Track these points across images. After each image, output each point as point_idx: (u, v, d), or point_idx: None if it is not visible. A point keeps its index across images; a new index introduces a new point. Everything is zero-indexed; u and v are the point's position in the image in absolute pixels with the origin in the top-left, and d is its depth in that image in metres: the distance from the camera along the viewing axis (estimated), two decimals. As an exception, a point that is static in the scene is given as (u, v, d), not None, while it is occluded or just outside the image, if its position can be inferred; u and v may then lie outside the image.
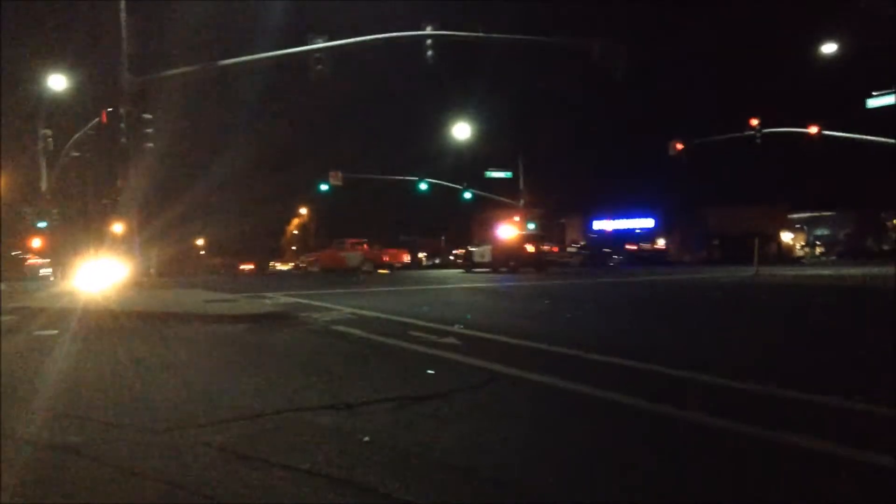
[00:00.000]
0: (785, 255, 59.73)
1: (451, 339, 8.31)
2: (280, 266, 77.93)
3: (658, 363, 6.36)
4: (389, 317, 11.12)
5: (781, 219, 68.08)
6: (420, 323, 9.98)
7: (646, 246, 64.96)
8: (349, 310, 12.41)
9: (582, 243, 65.60)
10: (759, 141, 37.74)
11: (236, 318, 10.83)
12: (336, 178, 51.88)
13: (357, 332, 9.28)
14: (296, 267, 42.08)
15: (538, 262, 35.79)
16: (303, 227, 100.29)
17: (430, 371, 6.43)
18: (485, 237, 41.02)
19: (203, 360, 7.37)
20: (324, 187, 52.52)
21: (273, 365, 6.98)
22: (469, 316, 11.11)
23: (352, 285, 22.52)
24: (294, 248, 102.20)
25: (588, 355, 6.95)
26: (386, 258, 41.28)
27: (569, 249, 60.84)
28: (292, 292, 18.01)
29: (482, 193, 53.87)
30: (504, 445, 4.18)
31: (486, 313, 12.08)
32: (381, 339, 8.56)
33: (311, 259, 43.10)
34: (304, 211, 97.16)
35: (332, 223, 68.81)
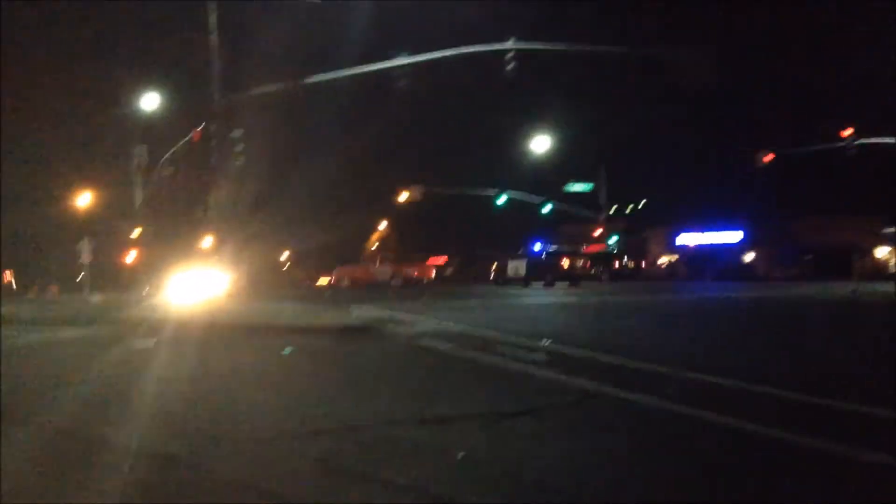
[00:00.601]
0: (879, 271, 56.94)
1: (540, 355, 8.15)
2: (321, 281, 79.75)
3: (768, 384, 5.99)
4: (474, 331, 10.99)
5: (874, 232, 64.93)
6: (506, 337, 9.83)
7: (735, 260, 63.03)
8: (433, 323, 12.36)
9: (671, 258, 64.10)
10: (853, 152, 36.18)
11: (325, 331, 10.93)
12: (414, 192, 52.25)
13: (444, 345, 9.21)
14: (329, 283, 42.20)
15: (572, 277, 36.12)
16: (383, 241, 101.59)
17: (520, 386, 6.28)
18: (573, 248, 40.74)
19: (294, 372, 7.44)
20: (402, 199, 53.03)
21: (363, 378, 6.99)
22: (556, 330, 10.90)
23: (432, 299, 22.51)
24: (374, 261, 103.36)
25: (685, 374, 6.68)
26: (416, 273, 41.59)
27: (659, 262, 59.76)
28: (375, 305, 18.09)
29: (562, 206, 53.28)
30: (602, 467, 4.02)
31: (572, 328, 11.87)
32: (468, 353, 8.45)
33: (339, 274, 43.21)
34: (383, 225, 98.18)
35: (412, 236, 69.24)
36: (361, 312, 15.09)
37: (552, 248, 41.83)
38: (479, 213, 58.04)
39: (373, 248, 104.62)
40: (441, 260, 41.10)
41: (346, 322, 12.34)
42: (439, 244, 46.55)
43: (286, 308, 16.60)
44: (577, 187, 52.10)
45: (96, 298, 24.48)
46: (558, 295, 25.04)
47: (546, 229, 63.62)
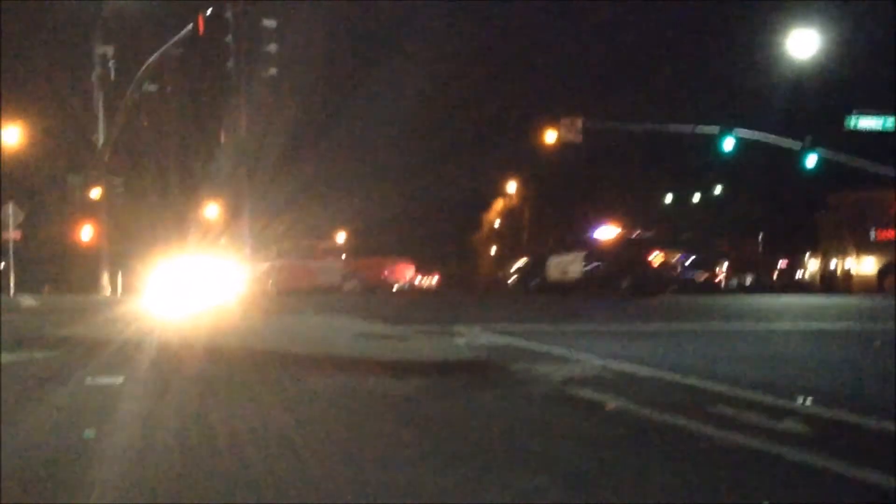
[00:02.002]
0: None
1: (793, 424, 8.00)
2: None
3: None
4: (668, 376, 11.01)
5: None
6: (726, 389, 9.78)
7: None
8: (598, 360, 12.43)
9: None
10: None
11: (408, 369, 11.06)
12: (570, 128, 51.42)
13: (616, 401, 9.24)
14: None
15: (660, 281, 37.88)
16: (509, 216, 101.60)
17: (756, 478, 6.22)
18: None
19: (352, 441, 7.51)
20: (548, 141, 52.63)
21: (475, 453, 6.99)
22: (818, 382, 10.73)
23: (602, 317, 22.67)
24: (494, 250, 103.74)
25: None
26: (385, 273, 41.93)
27: None
28: (501, 325, 18.28)
29: (839, 156, 51.66)
30: None
31: (843, 375, 11.54)
32: (659, 415, 8.42)
33: (276, 271, 43.65)
34: (512, 188, 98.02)
35: (559, 207, 69.07)
36: (470, 338, 15.27)
37: (635, 233, 41.90)
38: (688, 164, 57.22)
39: (491, 228, 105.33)
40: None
41: (448, 354, 12.44)
42: (609, 217, 46.17)
43: (343, 325, 16.87)
44: (870, 122, 50.22)
45: (28, 301, 25.54)
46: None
47: (806, 196, 62.15)
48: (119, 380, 10.36)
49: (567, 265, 38.82)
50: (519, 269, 43.43)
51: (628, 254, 38.22)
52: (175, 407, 8.88)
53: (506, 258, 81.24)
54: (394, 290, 43.09)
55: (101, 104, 38.83)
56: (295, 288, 38.98)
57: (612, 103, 56.96)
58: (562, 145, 52.60)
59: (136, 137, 42.73)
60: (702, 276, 53.20)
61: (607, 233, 41.25)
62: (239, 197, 22.87)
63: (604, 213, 52.88)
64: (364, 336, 14.33)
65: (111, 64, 38.40)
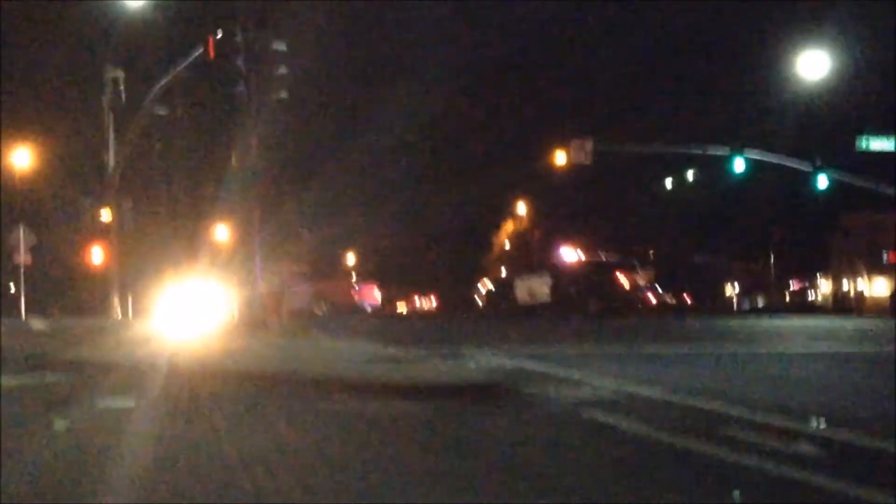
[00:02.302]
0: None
1: (809, 447, 8.00)
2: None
3: None
4: (680, 399, 10.99)
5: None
6: (740, 412, 9.72)
7: None
8: (609, 382, 12.44)
9: None
10: None
11: (419, 391, 11.07)
12: (580, 150, 51.25)
13: (629, 424, 9.19)
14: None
15: (628, 301, 38.71)
16: (519, 237, 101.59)
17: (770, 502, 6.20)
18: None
19: (364, 464, 7.48)
20: (558, 163, 52.47)
21: (489, 476, 6.97)
22: (832, 404, 10.76)
23: (611, 339, 22.78)
24: (504, 271, 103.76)
25: None
26: (354, 296, 42.26)
27: None
28: (511, 348, 18.33)
29: (849, 178, 51.55)
30: None
31: (857, 398, 11.55)
32: (671, 439, 8.38)
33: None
34: (521, 209, 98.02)
35: (569, 227, 69.05)
36: (481, 360, 15.31)
37: (601, 256, 42.84)
38: (696, 188, 57.20)
39: (501, 249, 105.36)
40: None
41: (459, 377, 12.42)
42: (616, 238, 46.38)
43: (354, 348, 16.95)
44: (881, 144, 50.10)
45: (38, 324, 25.54)
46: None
47: (817, 217, 62.08)
48: (131, 402, 10.36)
49: (535, 288, 39.37)
50: (488, 292, 43.93)
51: (596, 276, 38.78)
52: (186, 430, 8.87)
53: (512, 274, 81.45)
54: (368, 311, 43.11)
55: (111, 127, 38.90)
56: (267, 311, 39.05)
57: (622, 124, 56.82)
58: (572, 167, 52.51)
59: (146, 160, 42.84)
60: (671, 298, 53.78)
61: (571, 256, 41.82)
62: (249, 219, 22.88)
63: (605, 236, 53.46)
64: (375, 359, 14.32)
65: (121, 87, 38.49)
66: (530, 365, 14.72)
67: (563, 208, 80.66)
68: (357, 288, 44.65)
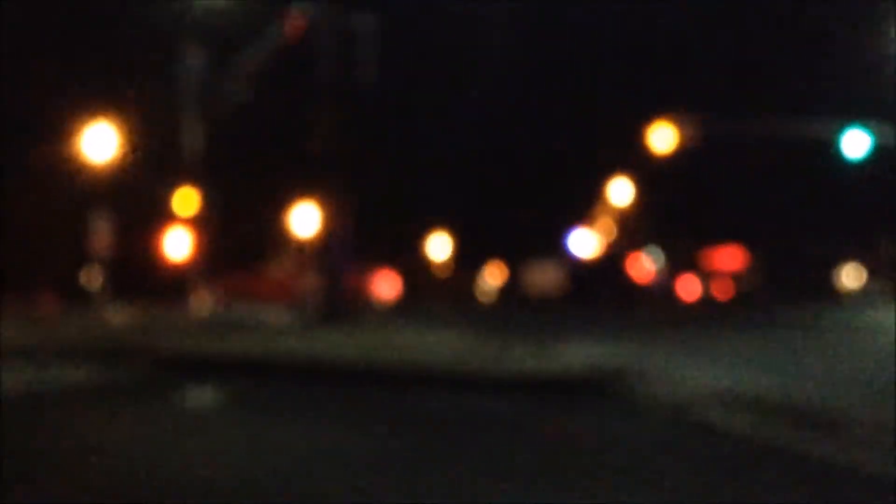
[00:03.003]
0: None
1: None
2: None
3: None
4: (790, 396, 10.67)
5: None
6: (851, 411, 9.42)
7: None
8: (711, 377, 12.46)
9: None
10: None
11: (515, 385, 11.00)
12: (686, 129, 50.32)
13: (739, 421, 9.05)
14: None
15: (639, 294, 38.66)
16: (621, 217, 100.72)
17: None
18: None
19: (455, 461, 7.33)
20: (656, 144, 51.62)
21: (590, 474, 6.87)
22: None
23: (716, 334, 22.67)
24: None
25: None
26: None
27: None
28: (607, 342, 18.18)
29: None
30: None
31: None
32: (779, 438, 8.19)
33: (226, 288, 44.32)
34: (619, 192, 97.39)
35: (670, 211, 68.47)
36: (583, 351, 15.41)
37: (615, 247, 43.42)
38: (813, 172, 56.18)
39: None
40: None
41: (554, 373, 12.21)
42: (734, 228, 46.19)
43: (446, 338, 16.97)
44: None
45: (118, 316, 25.76)
46: None
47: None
48: (214, 395, 10.55)
49: (545, 279, 40.25)
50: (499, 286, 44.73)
51: (608, 267, 39.45)
52: (273, 425, 8.89)
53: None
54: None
55: (191, 109, 39.25)
56: (247, 300, 39.85)
57: (732, 106, 56.10)
58: (677, 149, 51.85)
59: (225, 146, 43.16)
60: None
61: (585, 247, 42.54)
62: (338, 210, 22.86)
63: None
64: (469, 351, 14.32)
65: (201, 73, 38.80)
66: (630, 359, 14.40)
67: (664, 194, 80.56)
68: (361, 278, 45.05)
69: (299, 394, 11.03)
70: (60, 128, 44.75)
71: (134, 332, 19.81)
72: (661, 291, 40.97)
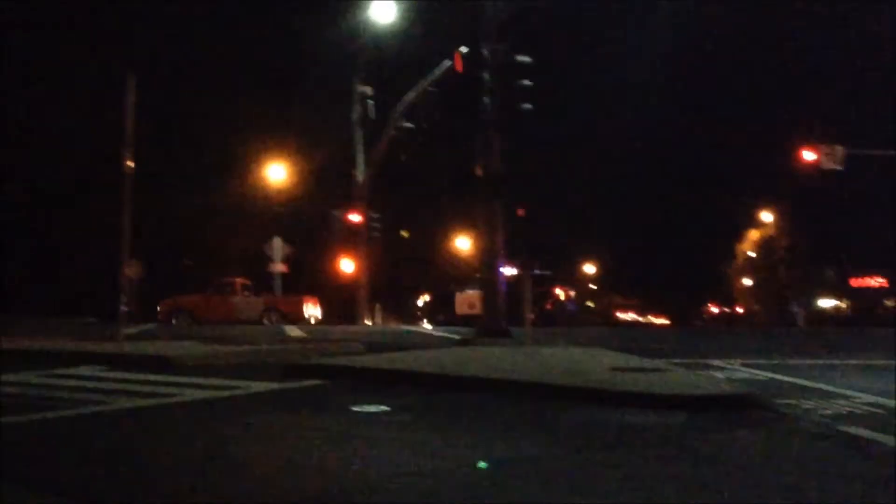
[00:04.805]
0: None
1: None
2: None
3: None
4: None
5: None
6: None
7: None
8: (867, 395, 12.05)
9: None
10: None
11: (667, 402, 10.87)
12: (832, 155, 49.00)
13: (888, 438, 8.87)
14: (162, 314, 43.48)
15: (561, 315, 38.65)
16: (765, 245, 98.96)
17: None
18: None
19: (611, 475, 7.37)
20: (810, 167, 50.12)
21: (743, 491, 6.77)
22: None
23: (870, 351, 22.02)
24: (747, 281, 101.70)
25: None
26: (303, 308, 43.25)
27: None
28: (755, 359, 17.95)
29: None
30: None
31: None
32: None
33: (174, 304, 44.20)
34: (767, 217, 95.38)
35: (824, 235, 66.62)
36: (729, 371, 15.31)
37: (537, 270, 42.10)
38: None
39: (744, 258, 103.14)
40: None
41: (707, 388, 12.16)
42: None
43: (595, 357, 16.87)
44: None
45: (295, 331, 26.36)
46: None
47: None
48: (384, 408, 10.48)
49: (474, 300, 39.58)
50: (425, 304, 43.88)
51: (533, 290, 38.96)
52: (432, 437, 8.91)
53: (761, 291, 79.56)
54: (311, 322, 43.51)
55: (360, 142, 40.04)
56: (217, 320, 40.54)
57: (876, 126, 54.10)
58: (822, 173, 50.35)
59: (393, 173, 43.84)
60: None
61: (509, 270, 42.09)
62: (493, 230, 23.11)
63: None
64: (618, 369, 14.13)
65: (370, 103, 39.52)
66: (781, 376, 14.39)
67: (814, 216, 78.37)
68: (305, 301, 45.17)
69: (461, 404, 11.16)
70: (247, 163, 46.42)
71: (306, 346, 20.26)
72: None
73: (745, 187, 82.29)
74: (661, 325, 79.59)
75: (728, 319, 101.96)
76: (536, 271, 45.94)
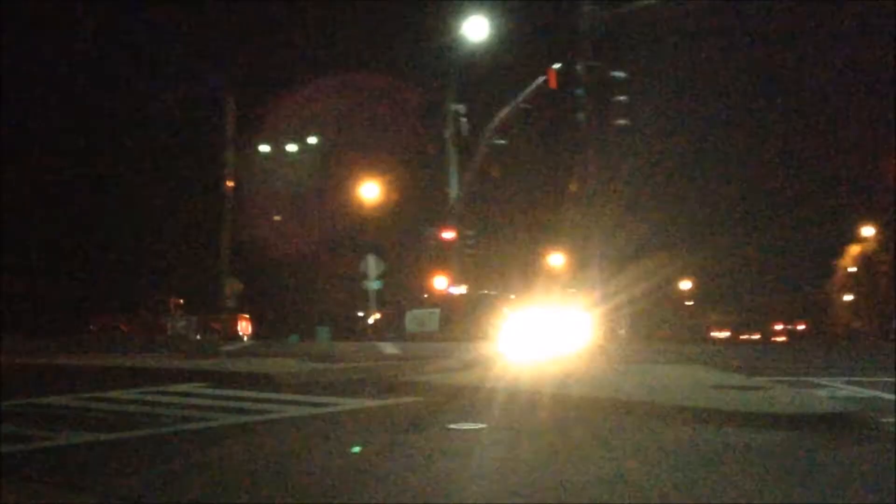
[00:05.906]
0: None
1: None
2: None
3: None
4: None
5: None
6: None
7: None
8: None
9: None
10: None
11: (770, 420, 10.77)
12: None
13: None
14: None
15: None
16: (865, 260, 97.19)
17: None
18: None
19: (713, 492, 7.37)
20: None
21: None
22: None
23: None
24: (853, 297, 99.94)
25: None
26: (238, 328, 45.02)
27: None
28: (858, 377, 17.79)
29: None
30: None
31: None
32: None
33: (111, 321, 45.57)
34: (868, 232, 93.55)
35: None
36: (832, 389, 15.28)
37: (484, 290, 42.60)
38: None
39: (846, 273, 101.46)
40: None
41: (810, 406, 11.98)
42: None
43: (695, 375, 16.79)
44: None
45: (390, 349, 26.45)
46: None
47: None
48: (480, 425, 10.49)
49: (424, 318, 39.36)
50: (376, 322, 43.71)
51: (480, 308, 38.23)
52: (531, 454, 8.96)
53: (861, 307, 78.20)
54: (244, 340, 43.86)
55: (453, 159, 40.14)
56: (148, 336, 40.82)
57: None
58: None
59: (486, 189, 43.88)
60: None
61: (458, 289, 42.06)
62: (587, 245, 23.02)
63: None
64: (719, 387, 14.02)
65: (463, 120, 39.59)
66: (887, 394, 14.21)
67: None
68: (240, 321, 45.89)
69: (554, 421, 11.22)
70: (344, 182, 47.05)
71: (402, 363, 20.36)
72: None
73: (844, 203, 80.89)
74: (755, 342, 78.54)
75: (791, 335, 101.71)
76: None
